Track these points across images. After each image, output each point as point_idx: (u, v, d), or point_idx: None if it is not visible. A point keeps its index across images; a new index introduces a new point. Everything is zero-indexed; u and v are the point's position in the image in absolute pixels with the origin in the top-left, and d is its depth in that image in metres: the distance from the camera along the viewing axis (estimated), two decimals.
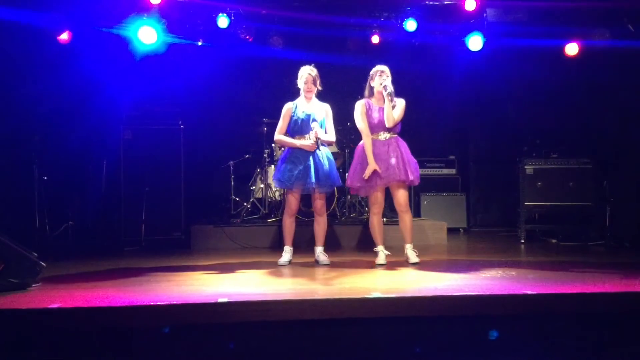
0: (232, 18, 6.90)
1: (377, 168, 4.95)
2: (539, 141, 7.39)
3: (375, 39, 7.45)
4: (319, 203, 5.22)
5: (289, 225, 5.28)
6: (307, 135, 5.11)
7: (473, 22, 7.04)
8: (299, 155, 5.13)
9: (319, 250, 5.26)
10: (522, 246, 6.69)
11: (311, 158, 5.10)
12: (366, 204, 7.29)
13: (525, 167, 6.96)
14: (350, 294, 3.83)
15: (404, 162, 5.01)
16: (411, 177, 5.03)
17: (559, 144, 7.26)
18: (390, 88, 4.99)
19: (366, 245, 6.56)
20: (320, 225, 5.27)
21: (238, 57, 7.37)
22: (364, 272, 4.76)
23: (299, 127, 5.16)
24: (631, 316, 3.61)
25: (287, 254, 5.23)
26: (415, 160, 5.12)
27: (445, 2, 6.96)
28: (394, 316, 3.54)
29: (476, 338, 3.55)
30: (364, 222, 6.91)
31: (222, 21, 6.84)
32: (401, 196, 5.09)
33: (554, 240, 6.92)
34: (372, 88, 5.15)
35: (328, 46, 7.14)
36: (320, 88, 5.19)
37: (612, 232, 6.56)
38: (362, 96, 5.22)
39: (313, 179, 5.05)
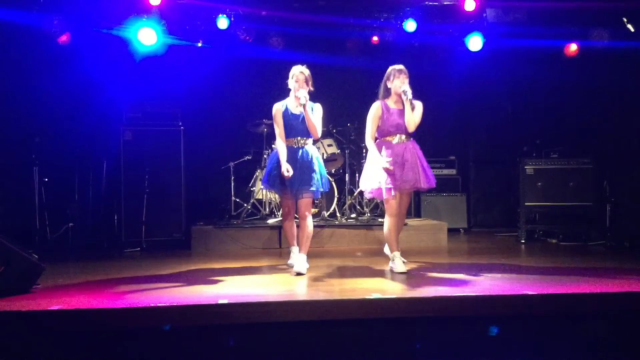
0: (232, 19, 6.90)
1: (388, 166, 4.72)
2: (539, 141, 7.39)
3: (375, 40, 7.45)
4: (301, 206, 4.92)
5: (288, 228, 5.15)
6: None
7: (473, 23, 7.04)
8: (287, 160, 4.86)
9: (302, 257, 4.84)
10: (523, 246, 6.69)
11: (298, 162, 4.86)
12: (367, 205, 7.30)
13: (526, 167, 6.95)
14: (351, 295, 3.83)
15: (422, 167, 4.85)
16: (428, 184, 4.87)
17: (559, 144, 7.26)
18: (410, 92, 4.77)
19: (366, 246, 6.57)
20: (304, 231, 4.89)
21: (238, 58, 7.36)
22: (365, 273, 4.76)
23: (287, 130, 4.93)
24: (631, 316, 3.61)
25: (294, 254, 5.10)
26: (427, 165, 4.95)
27: (445, 3, 6.95)
28: (395, 317, 3.55)
29: (476, 338, 3.55)
30: (364, 223, 6.91)
31: (222, 22, 6.83)
32: (405, 202, 5.03)
33: (554, 240, 6.92)
34: (388, 89, 4.93)
35: (328, 47, 7.14)
36: (312, 89, 4.90)
37: (612, 232, 6.56)
38: (368, 96, 5.11)
39: (296, 181, 4.82)
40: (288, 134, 4.93)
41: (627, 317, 3.61)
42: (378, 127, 4.92)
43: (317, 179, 4.88)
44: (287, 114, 4.92)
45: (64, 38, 6.52)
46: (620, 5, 6.68)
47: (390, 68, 4.91)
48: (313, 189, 4.87)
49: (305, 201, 4.91)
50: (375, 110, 4.90)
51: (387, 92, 4.93)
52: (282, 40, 7.24)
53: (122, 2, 6.55)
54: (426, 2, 6.95)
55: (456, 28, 7.17)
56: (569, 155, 6.99)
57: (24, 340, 3.28)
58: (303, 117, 4.86)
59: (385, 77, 4.94)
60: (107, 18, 6.55)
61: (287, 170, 4.75)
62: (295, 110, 4.91)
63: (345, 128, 7.41)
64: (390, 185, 4.73)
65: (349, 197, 7.29)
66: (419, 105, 4.89)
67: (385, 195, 4.77)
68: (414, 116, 4.81)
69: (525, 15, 6.92)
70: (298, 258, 4.83)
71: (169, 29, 6.76)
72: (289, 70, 4.83)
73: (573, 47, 7.14)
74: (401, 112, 4.85)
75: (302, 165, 4.87)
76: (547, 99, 7.90)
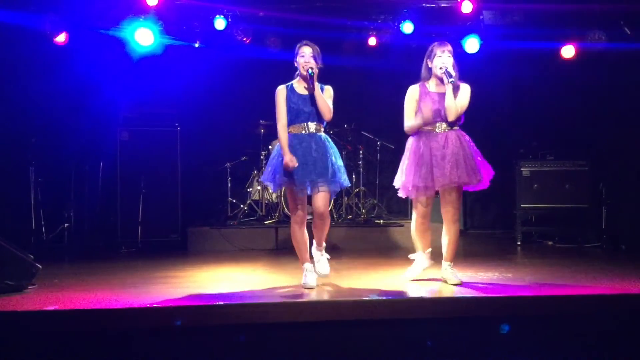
0: (229, 20, 6.90)
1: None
2: (535, 143, 7.40)
3: (372, 41, 7.46)
4: (317, 201, 4.12)
5: (299, 237, 4.22)
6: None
7: (469, 25, 7.06)
8: (295, 149, 4.11)
9: (320, 256, 4.26)
10: (519, 248, 6.70)
11: (309, 150, 4.11)
12: (363, 206, 7.30)
13: (522, 169, 6.96)
14: (348, 296, 3.83)
15: (466, 160, 4.11)
16: (476, 179, 4.16)
17: (555, 146, 7.27)
18: (454, 74, 4.09)
19: (364, 247, 6.57)
20: (321, 227, 4.24)
21: (235, 59, 7.36)
22: (361, 275, 4.76)
23: (295, 115, 4.19)
24: (627, 318, 3.62)
25: (308, 272, 4.21)
26: (481, 157, 4.24)
27: (442, 5, 6.98)
28: (391, 318, 3.55)
29: (473, 339, 3.55)
30: (361, 224, 6.91)
31: (219, 23, 6.83)
32: (452, 201, 4.19)
33: (550, 242, 6.93)
34: (429, 69, 4.21)
35: (325, 48, 7.04)
36: (321, 65, 4.20)
37: (608, 234, 6.57)
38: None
39: (309, 173, 4.07)
40: (295, 119, 4.17)
41: (623, 319, 3.62)
42: (416, 113, 4.23)
43: (335, 170, 4.13)
44: (292, 97, 4.19)
45: (60, 38, 6.52)
46: (617, 7, 6.70)
47: (434, 44, 4.20)
48: (331, 182, 4.11)
49: (322, 195, 4.10)
50: (410, 95, 4.24)
51: (428, 74, 4.23)
52: (279, 41, 7.23)
53: (119, 3, 6.56)
54: (423, 4, 6.98)
55: (453, 30, 7.18)
56: (565, 157, 7.00)
57: (19, 341, 3.27)
58: (311, 98, 4.15)
59: (426, 55, 4.23)
60: (104, 18, 6.55)
61: (290, 160, 4.03)
62: (303, 91, 4.21)
63: (342, 129, 7.42)
64: (410, 185, 4.17)
65: (346, 198, 7.29)
66: (464, 88, 4.17)
67: (404, 195, 4.32)
68: (455, 102, 4.09)
69: (522, 18, 6.94)
70: (317, 257, 4.23)
71: (166, 30, 6.76)
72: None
73: (570, 49, 7.16)
74: (443, 96, 4.15)
75: (315, 154, 4.11)
76: (543, 101, 7.92)
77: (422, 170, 4.12)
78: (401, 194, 4.35)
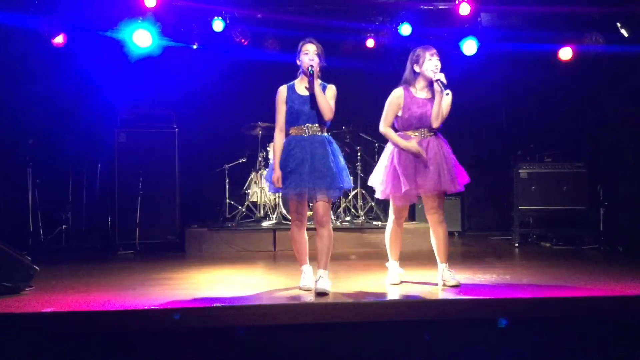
0: (227, 21, 6.90)
1: (419, 149, 4.10)
2: (533, 145, 7.41)
3: (370, 43, 7.46)
4: (317, 211, 4.04)
5: (298, 240, 4.18)
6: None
7: (467, 27, 7.07)
8: (295, 152, 4.03)
9: (322, 274, 4.00)
10: (517, 250, 6.70)
11: (309, 153, 3.99)
12: (361, 208, 7.29)
13: (520, 171, 6.97)
14: (345, 298, 3.82)
15: (447, 167, 4.15)
16: (457, 187, 4.16)
17: (553, 148, 7.28)
18: (445, 82, 4.06)
19: (361, 249, 6.57)
20: (323, 241, 4.06)
21: (233, 61, 7.35)
22: (359, 277, 4.75)
23: (295, 116, 4.08)
24: (625, 319, 3.62)
25: (306, 274, 4.18)
26: (456, 163, 4.28)
27: (440, 7, 6.98)
28: (388, 320, 3.55)
29: (472, 341, 3.55)
30: (358, 226, 6.91)
31: (217, 24, 6.83)
32: (436, 205, 4.19)
33: (547, 244, 6.94)
34: (416, 73, 4.18)
35: (323, 50, 7.14)
36: (324, 64, 4.13)
37: (606, 236, 6.58)
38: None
39: (308, 178, 3.95)
40: (296, 121, 4.06)
41: (621, 321, 3.62)
42: (397, 117, 4.21)
43: (335, 174, 4.00)
44: (293, 97, 4.09)
45: (58, 40, 6.51)
46: (615, 10, 6.71)
47: (418, 49, 4.18)
48: (330, 188, 4.01)
49: (321, 204, 4.02)
50: (395, 97, 4.18)
51: (414, 78, 4.21)
52: (277, 43, 7.23)
53: (117, 4, 6.55)
54: (421, 6, 6.99)
55: (451, 32, 7.19)
56: (562, 159, 7.02)
57: (16, 343, 3.27)
58: (312, 98, 4.03)
59: (411, 60, 4.20)
60: (102, 20, 6.54)
61: (277, 180, 4.02)
62: (303, 91, 4.10)
63: (340, 131, 7.42)
64: (388, 191, 4.19)
65: (344, 199, 7.29)
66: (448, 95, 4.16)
67: (382, 197, 4.33)
68: (442, 110, 4.13)
69: (519, 20, 6.96)
70: (319, 275, 3.99)
71: (164, 31, 6.75)
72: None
73: (567, 51, 7.17)
74: (427, 102, 4.16)
75: (314, 158, 3.99)
76: (541, 103, 7.93)
77: (408, 179, 4.10)
78: (379, 195, 4.36)
